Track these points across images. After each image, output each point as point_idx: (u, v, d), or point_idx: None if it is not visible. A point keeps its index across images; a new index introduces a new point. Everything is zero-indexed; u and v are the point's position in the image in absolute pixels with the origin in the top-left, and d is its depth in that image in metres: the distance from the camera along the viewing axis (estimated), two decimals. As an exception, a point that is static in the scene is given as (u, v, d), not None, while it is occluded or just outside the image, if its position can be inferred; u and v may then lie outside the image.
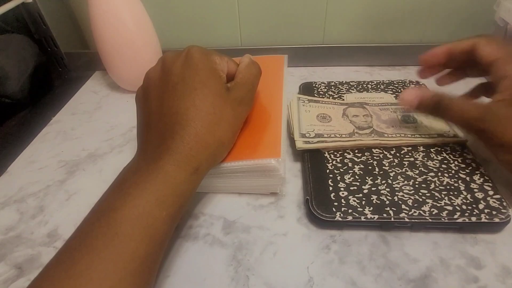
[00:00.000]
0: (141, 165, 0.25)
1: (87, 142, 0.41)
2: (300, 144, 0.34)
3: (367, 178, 0.31)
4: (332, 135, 0.34)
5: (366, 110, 0.38)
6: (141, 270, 0.21)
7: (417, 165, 0.32)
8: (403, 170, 0.31)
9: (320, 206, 0.29)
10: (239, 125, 0.30)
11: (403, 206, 0.28)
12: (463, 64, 0.32)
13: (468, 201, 0.28)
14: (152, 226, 0.22)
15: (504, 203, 0.28)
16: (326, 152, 0.34)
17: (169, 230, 0.24)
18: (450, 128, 0.35)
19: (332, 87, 0.44)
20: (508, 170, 0.28)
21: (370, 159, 0.33)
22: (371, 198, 0.29)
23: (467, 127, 0.29)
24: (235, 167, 0.30)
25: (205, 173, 0.27)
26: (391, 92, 0.42)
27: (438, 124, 0.36)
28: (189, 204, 0.26)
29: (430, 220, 0.27)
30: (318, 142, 0.34)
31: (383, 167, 0.32)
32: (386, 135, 0.34)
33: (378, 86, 0.44)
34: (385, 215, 0.28)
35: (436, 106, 0.30)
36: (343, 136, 0.34)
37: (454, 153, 0.33)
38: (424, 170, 0.31)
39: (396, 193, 0.29)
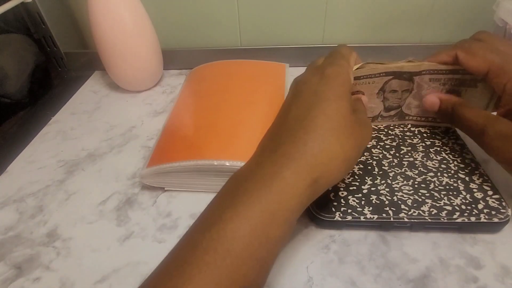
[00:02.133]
0: (254, 170, 0.22)
1: (87, 142, 0.41)
2: None
3: (366, 178, 0.31)
4: None
5: (411, 83, 0.33)
6: None
7: (417, 165, 0.32)
8: (403, 170, 0.31)
9: (320, 206, 0.29)
10: (363, 147, 0.26)
11: (403, 206, 0.28)
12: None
13: (467, 201, 0.28)
14: (264, 247, 0.19)
15: (503, 203, 0.28)
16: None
17: (277, 252, 0.20)
18: None
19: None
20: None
21: (369, 159, 0.33)
22: (371, 198, 0.29)
23: (472, 135, 0.29)
24: (234, 165, 0.30)
25: (322, 189, 0.23)
26: None
27: None
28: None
29: (429, 220, 0.27)
30: None
31: (383, 167, 0.32)
32: (407, 117, 0.33)
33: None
34: (384, 215, 0.28)
35: (451, 110, 0.30)
36: None
37: (453, 153, 0.33)
38: (424, 170, 0.31)
39: (396, 193, 0.29)
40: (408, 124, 0.36)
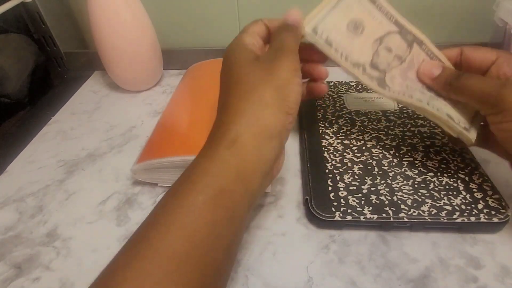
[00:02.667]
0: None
1: (87, 141, 0.41)
2: (308, 30, 0.28)
3: (366, 178, 0.31)
4: (340, 53, 0.28)
5: (408, 51, 0.30)
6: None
7: (416, 165, 0.32)
8: (403, 170, 0.31)
9: (320, 206, 0.29)
10: (282, 78, 0.24)
11: (402, 206, 0.28)
12: None
13: (467, 201, 0.28)
14: (190, 212, 0.19)
15: (503, 203, 0.28)
16: (326, 152, 0.34)
17: (215, 221, 0.20)
18: (465, 121, 0.29)
19: (332, 87, 0.44)
20: None
21: (369, 159, 0.33)
22: (371, 198, 0.29)
23: (486, 96, 0.25)
24: None
25: (254, 143, 0.22)
26: None
27: (455, 110, 0.29)
28: (249, 193, 0.22)
29: (429, 220, 0.27)
30: (324, 44, 0.28)
31: (383, 167, 0.32)
32: (387, 88, 0.29)
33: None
34: (384, 215, 0.28)
35: (455, 80, 0.27)
36: (348, 61, 0.28)
37: (453, 153, 0.33)
38: (423, 170, 0.31)
39: (396, 193, 0.29)
40: (408, 124, 0.36)
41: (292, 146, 0.38)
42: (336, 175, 0.31)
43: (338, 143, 0.35)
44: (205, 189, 0.20)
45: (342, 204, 0.29)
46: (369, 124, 0.37)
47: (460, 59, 0.29)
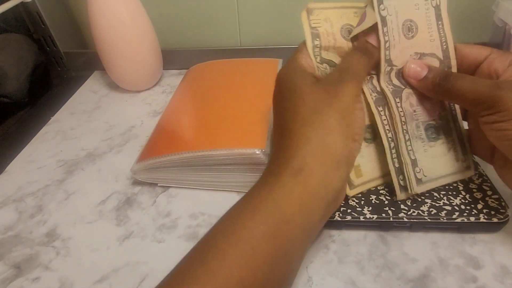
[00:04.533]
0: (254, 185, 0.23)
1: (86, 141, 0.41)
2: None
3: (366, 178, 0.31)
4: (384, 40, 0.26)
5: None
6: None
7: (416, 165, 0.32)
8: (402, 170, 0.31)
9: (319, 206, 0.29)
10: (344, 103, 0.23)
11: (402, 206, 0.28)
12: None
13: (466, 201, 0.28)
14: (248, 242, 0.19)
15: (503, 203, 0.28)
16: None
17: (273, 253, 0.19)
18: (463, 161, 0.29)
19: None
20: None
21: (369, 159, 0.33)
22: (370, 198, 0.29)
23: (480, 98, 0.24)
24: (219, 155, 0.30)
25: (320, 172, 0.21)
26: None
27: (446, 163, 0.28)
28: (312, 224, 0.21)
29: (429, 220, 0.27)
30: (378, 17, 0.25)
31: (382, 167, 0.32)
32: (397, 100, 0.27)
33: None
34: (384, 215, 0.28)
35: (444, 81, 0.25)
36: (383, 53, 0.26)
37: (453, 153, 0.33)
38: (423, 170, 0.31)
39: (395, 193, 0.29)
40: None
41: (292, 146, 0.38)
42: (336, 175, 0.31)
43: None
44: (266, 219, 0.19)
45: (342, 204, 0.29)
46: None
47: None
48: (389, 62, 0.27)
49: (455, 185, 0.30)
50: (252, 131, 0.32)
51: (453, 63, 0.28)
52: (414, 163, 0.27)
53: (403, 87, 0.28)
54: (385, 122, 0.27)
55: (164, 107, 0.45)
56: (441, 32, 0.28)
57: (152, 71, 0.49)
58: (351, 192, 0.27)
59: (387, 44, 0.26)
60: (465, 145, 0.29)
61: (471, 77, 0.25)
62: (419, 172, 0.27)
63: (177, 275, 0.19)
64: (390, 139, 0.27)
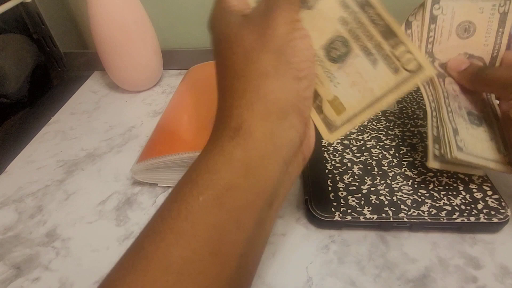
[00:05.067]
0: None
1: (86, 142, 0.41)
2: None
3: (366, 178, 0.31)
4: (433, 33, 0.27)
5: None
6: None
7: (416, 165, 0.32)
8: (402, 170, 0.31)
9: (319, 206, 0.29)
10: (277, 32, 0.19)
11: (402, 206, 0.28)
12: None
13: (467, 201, 0.28)
14: (191, 213, 0.17)
15: (503, 203, 0.28)
16: (325, 152, 0.34)
17: (220, 224, 0.17)
18: (505, 155, 0.27)
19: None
20: None
21: (369, 159, 0.33)
22: (370, 198, 0.29)
23: (506, 86, 0.25)
24: None
25: (264, 128, 0.18)
26: None
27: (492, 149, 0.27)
28: (264, 187, 0.18)
29: (429, 220, 0.27)
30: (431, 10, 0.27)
31: (382, 167, 0.32)
32: (440, 80, 0.27)
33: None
34: (384, 215, 0.28)
35: (480, 71, 0.27)
36: (431, 45, 0.28)
37: (453, 153, 0.33)
38: (423, 170, 0.31)
39: (395, 193, 0.29)
40: (407, 124, 0.36)
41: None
42: (336, 175, 0.31)
43: (337, 143, 0.35)
44: (206, 189, 0.17)
45: (342, 204, 0.29)
46: (369, 124, 0.37)
47: None
48: (430, 54, 0.28)
49: (455, 185, 0.30)
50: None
51: None
52: (456, 131, 0.25)
53: (446, 75, 0.28)
54: (429, 93, 0.27)
55: (164, 107, 0.45)
56: (498, 40, 0.28)
57: (152, 71, 0.49)
58: (331, 137, 0.21)
59: (430, 39, 0.27)
60: (507, 142, 0.28)
61: (504, 67, 0.27)
62: (460, 141, 0.25)
63: (119, 265, 0.17)
64: (433, 108, 0.26)
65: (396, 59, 0.20)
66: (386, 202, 0.29)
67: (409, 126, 0.36)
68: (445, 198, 0.29)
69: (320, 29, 0.21)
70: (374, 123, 0.37)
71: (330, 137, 0.21)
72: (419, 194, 0.29)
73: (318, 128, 0.21)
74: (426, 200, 0.28)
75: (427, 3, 0.27)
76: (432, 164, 0.26)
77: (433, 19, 0.27)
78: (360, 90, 0.20)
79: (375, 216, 0.28)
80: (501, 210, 0.27)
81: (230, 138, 0.18)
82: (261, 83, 0.18)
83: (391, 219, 0.27)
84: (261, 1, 0.21)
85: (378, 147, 0.34)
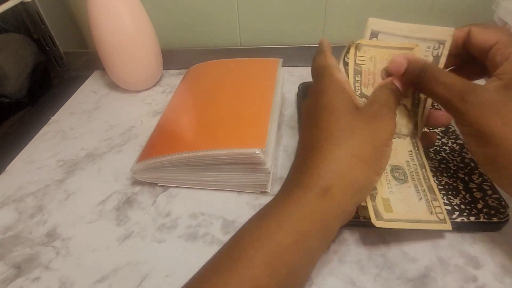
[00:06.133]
0: (279, 193, 0.24)
1: (86, 141, 0.41)
2: None
3: (366, 178, 0.31)
4: None
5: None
6: None
7: (416, 165, 0.32)
8: (402, 169, 0.31)
9: (319, 206, 0.29)
10: (381, 139, 0.24)
11: (402, 206, 0.28)
12: (458, 61, 0.29)
13: (466, 201, 0.28)
14: (276, 254, 0.20)
15: (503, 203, 0.28)
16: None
17: (298, 262, 0.21)
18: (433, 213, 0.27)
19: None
20: (479, 163, 0.26)
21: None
22: (370, 198, 0.29)
23: (447, 104, 0.25)
24: (219, 155, 0.30)
25: (342, 196, 0.22)
26: None
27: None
28: (329, 235, 0.23)
29: (429, 220, 0.27)
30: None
31: (382, 167, 0.32)
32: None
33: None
34: (384, 214, 0.28)
35: (421, 73, 0.26)
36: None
37: (452, 153, 0.33)
38: (423, 170, 0.31)
39: (395, 193, 0.29)
40: None
41: (292, 145, 0.38)
42: (336, 175, 0.31)
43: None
44: (292, 234, 0.21)
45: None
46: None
47: (468, 39, 0.28)
48: (361, 94, 0.28)
49: (455, 185, 0.30)
50: (252, 131, 0.32)
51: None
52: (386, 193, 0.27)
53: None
54: None
55: (164, 107, 0.45)
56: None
57: (152, 71, 0.49)
58: (377, 223, 0.25)
59: (358, 84, 0.28)
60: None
61: (447, 73, 0.26)
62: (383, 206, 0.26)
63: (205, 279, 0.20)
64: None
65: (433, 207, 0.26)
66: (386, 201, 0.29)
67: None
68: (445, 197, 0.29)
69: (395, 152, 0.28)
70: None
71: (376, 223, 0.25)
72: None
73: (368, 209, 0.25)
74: (426, 200, 0.28)
75: (351, 54, 0.29)
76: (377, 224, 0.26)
77: (357, 71, 0.28)
78: (406, 207, 0.26)
79: (375, 216, 0.28)
80: (501, 210, 0.27)
81: (317, 197, 0.22)
82: (356, 162, 0.23)
83: (391, 219, 0.27)
84: (374, 103, 0.26)
85: None
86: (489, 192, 0.29)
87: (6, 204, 0.34)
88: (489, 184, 0.29)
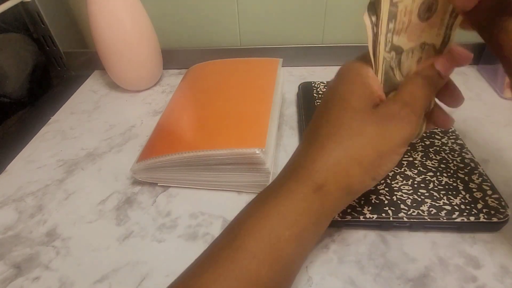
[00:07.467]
0: (275, 181, 0.24)
1: (86, 141, 0.41)
2: None
3: (366, 177, 0.31)
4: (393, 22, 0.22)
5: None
6: None
7: (416, 165, 0.32)
8: (402, 169, 0.31)
9: (319, 206, 0.29)
10: (388, 145, 0.22)
11: (402, 206, 0.28)
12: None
13: (466, 201, 0.28)
14: (275, 245, 0.21)
15: (503, 203, 0.28)
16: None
17: (294, 254, 0.21)
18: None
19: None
20: None
21: (369, 159, 0.33)
22: (370, 198, 0.29)
23: None
24: (219, 155, 0.30)
25: (336, 194, 0.22)
26: None
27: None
28: (321, 230, 0.23)
29: (428, 220, 0.27)
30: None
31: (382, 167, 0.32)
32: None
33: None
34: (384, 214, 0.28)
35: (489, 14, 0.22)
36: (389, 33, 0.23)
37: (452, 153, 0.33)
38: (423, 170, 0.31)
39: (395, 193, 0.29)
40: None
41: (293, 144, 0.38)
42: (336, 175, 0.31)
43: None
44: (291, 226, 0.21)
45: (342, 203, 0.29)
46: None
47: None
48: (394, 48, 0.24)
49: (455, 184, 0.30)
50: (252, 131, 0.32)
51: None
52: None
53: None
54: None
55: (164, 107, 0.45)
56: (447, 32, 0.25)
57: (152, 71, 0.49)
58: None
59: (392, 26, 0.23)
60: None
61: None
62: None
63: (205, 267, 0.20)
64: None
65: None
66: (386, 201, 0.29)
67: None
68: (444, 197, 0.29)
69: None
70: None
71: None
72: (419, 193, 0.29)
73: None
74: (426, 200, 0.28)
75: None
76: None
77: (392, 14, 0.22)
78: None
79: (375, 216, 0.28)
80: (501, 210, 0.27)
81: (313, 191, 0.22)
82: (353, 165, 0.22)
83: (391, 219, 0.27)
84: (396, 101, 0.23)
85: None
86: (489, 192, 0.29)
87: (6, 204, 0.34)
88: (489, 184, 0.29)
